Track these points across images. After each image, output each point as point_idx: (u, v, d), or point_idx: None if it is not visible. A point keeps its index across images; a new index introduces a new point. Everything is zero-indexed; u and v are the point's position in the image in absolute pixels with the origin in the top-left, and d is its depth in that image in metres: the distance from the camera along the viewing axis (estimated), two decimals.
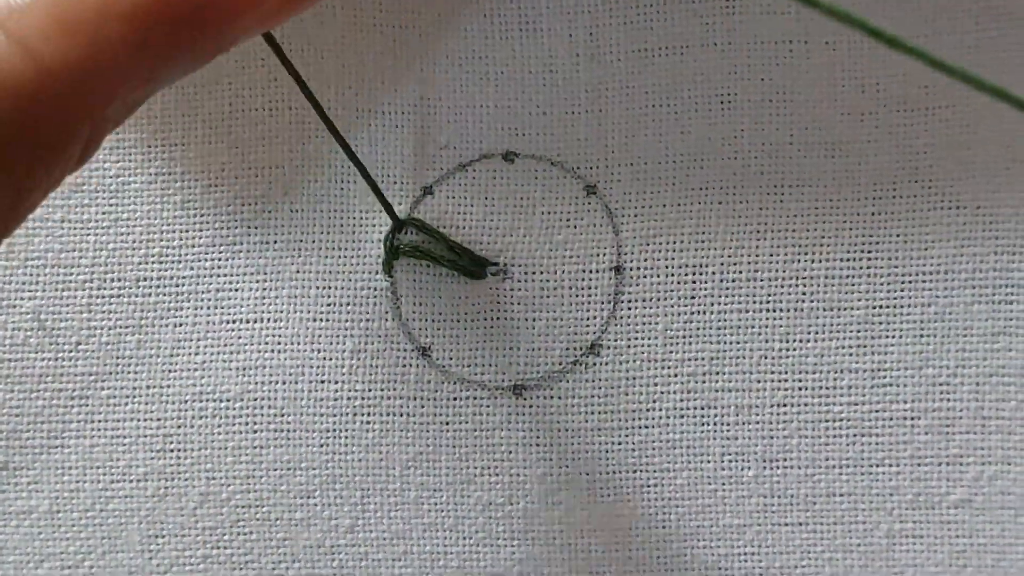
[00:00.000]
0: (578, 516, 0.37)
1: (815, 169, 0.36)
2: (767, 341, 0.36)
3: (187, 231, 0.37)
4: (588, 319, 0.36)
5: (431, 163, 0.37)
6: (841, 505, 0.36)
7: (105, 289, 0.37)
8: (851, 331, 0.36)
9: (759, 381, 0.36)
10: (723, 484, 0.36)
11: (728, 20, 0.36)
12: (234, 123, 0.37)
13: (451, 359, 0.36)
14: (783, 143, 0.36)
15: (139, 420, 0.37)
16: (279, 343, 0.37)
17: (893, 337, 0.36)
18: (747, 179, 0.36)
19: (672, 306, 0.36)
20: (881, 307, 0.36)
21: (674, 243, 0.36)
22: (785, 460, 0.36)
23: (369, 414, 0.36)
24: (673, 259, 0.36)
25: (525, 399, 0.37)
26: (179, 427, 0.37)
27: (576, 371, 0.37)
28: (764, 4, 0.36)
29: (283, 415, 0.37)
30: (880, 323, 0.36)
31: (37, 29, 0.22)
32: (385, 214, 0.36)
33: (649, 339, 0.36)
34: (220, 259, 0.37)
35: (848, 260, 0.36)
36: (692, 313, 0.36)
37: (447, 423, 0.37)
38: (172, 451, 0.37)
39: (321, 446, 0.36)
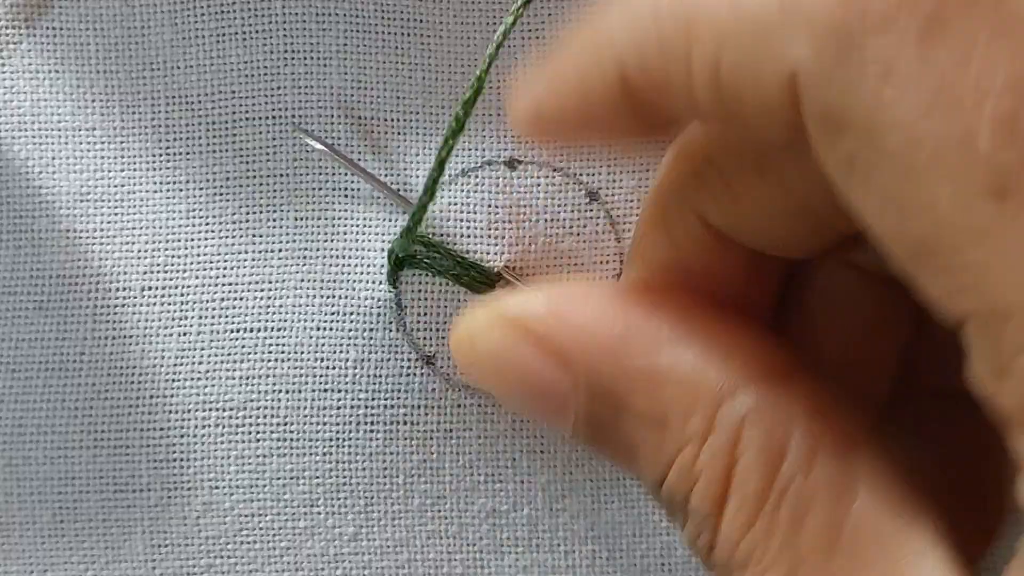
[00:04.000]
0: (582, 523, 0.37)
1: None
2: None
3: (192, 240, 0.37)
4: None
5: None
6: None
7: (110, 298, 0.37)
8: None
9: None
10: None
11: None
12: (239, 132, 0.37)
13: (455, 367, 0.36)
14: None
15: (143, 430, 0.37)
16: (283, 352, 0.37)
17: None
18: None
19: None
20: None
21: None
22: None
23: (373, 423, 0.36)
24: None
25: None
26: (182, 436, 0.37)
27: None
28: None
29: (286, 424, 0.36)
30: None
31: None
32: (390, 222, 0.36)
33: None
34: (225, 268, 0.37)
35: None
36: None
37: (451, 431, 0.37)
38: (175, 460, 0.37)
39: (325, 455, 0.36)
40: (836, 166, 0.19)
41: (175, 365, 0.37)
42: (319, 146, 0.36)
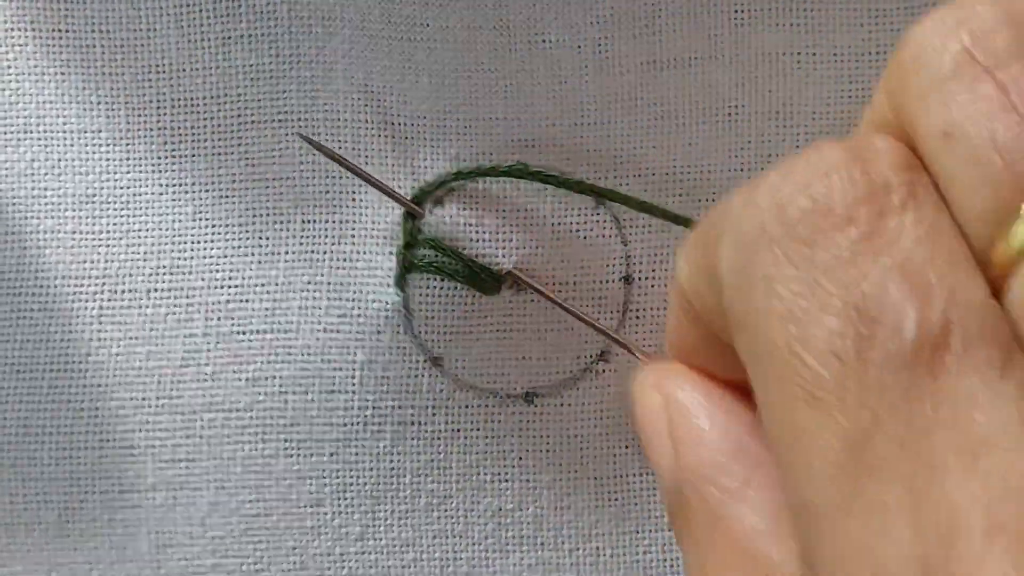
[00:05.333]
0: (587, 521, 0.37)
1: None
2: None
3: (198, 242, 0.37)
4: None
5: (441, 175, 0.37)
6: None
7: (116, 300, 0.37)
8: None
9: None
10: None
11: (735, 32, 0.36)
12: (245, 134, 0.37)
13: (463, 368, 0.37)
14: (790, 155, 0.37)
15: (149, 431, 0.37)
16: (290, 354, 0.37)
17: None
18: None
19: None
20: None
21: None
22: None
23: (380, 424, 0.37)
24: None
25: (536, 406, 0.37)
26: (188, 438, 0.37)
27: (587, 378, 0.37)
28: (771, 17, 0.36)
29: (293, 425, 0.37)
30: None
31: None
32: (397, 226, 0.36)
33: (659, 345, 0.37)
34: (231, 270, 0.37)
35: None
36: None
37: (458, 431, 0.37)
38: (181, 461, 0.37)
39: (331, 455, 0.37)
40: (744, 360, 0.19)
41: (181, 367, 0.37)
42: (323, 153, 0.36)
